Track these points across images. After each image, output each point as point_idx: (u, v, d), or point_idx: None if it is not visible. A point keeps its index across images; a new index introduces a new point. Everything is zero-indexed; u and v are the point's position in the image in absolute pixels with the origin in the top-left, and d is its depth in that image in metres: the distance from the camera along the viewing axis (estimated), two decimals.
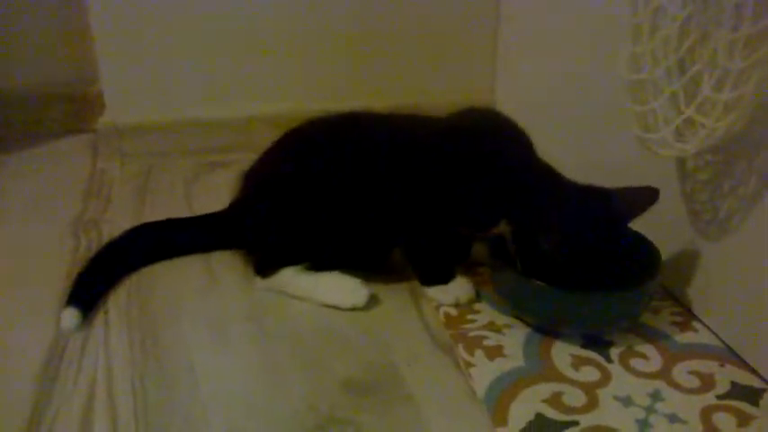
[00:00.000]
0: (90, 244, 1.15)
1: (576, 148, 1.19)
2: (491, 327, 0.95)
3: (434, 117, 1.03)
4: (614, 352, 0.89)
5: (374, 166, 0.99)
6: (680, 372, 0.86)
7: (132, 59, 1.43)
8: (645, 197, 0.91)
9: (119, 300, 1.01)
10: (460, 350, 0.90)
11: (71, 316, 0.93)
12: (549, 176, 0.95)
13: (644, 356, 0.89)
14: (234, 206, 1.10)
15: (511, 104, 1.45)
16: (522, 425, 0.77)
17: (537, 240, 0.90)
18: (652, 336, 0.92)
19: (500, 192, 0.94)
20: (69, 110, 1.61)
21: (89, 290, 0.99)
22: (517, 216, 0.94)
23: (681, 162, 0.96)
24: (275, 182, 1.03)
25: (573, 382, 0.84)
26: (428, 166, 0.97)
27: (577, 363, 0.87)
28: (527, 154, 0.97)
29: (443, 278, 1.01)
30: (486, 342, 0.91)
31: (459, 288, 1.00)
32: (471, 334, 0.93)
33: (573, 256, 0.89)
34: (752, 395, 0.82)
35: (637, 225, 1.01)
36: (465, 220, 0.98)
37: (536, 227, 0.91)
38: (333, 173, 0.99)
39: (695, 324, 0.95)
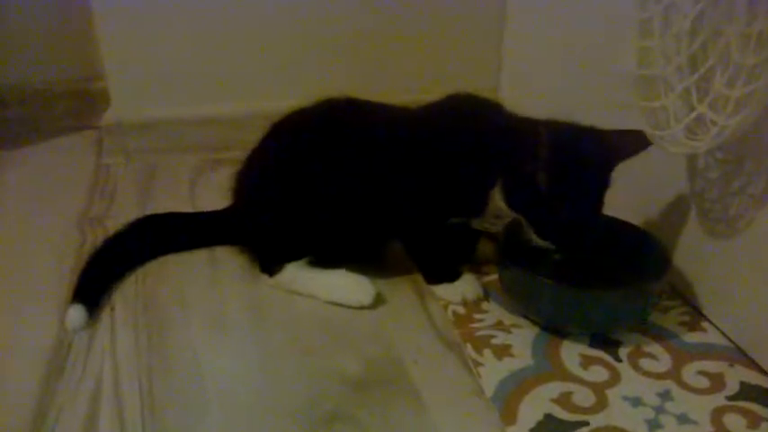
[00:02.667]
0: (95, 240, 1.14)
1: None
2: (499, 326, 0.94)
3: (412, 106, 1.04)
4: (623, 352, 0.89)
5: (362, 156, 0.99)
6: (689, 372, 0.85)
7: (137, 56, 1.42)
8: (636, 141, 0.89)
9: (125, 294, 1.01)
10: (468, 349, 0.89)
11: (77, 313, 0.93)
12: (527, 124, 0.93)
13: (653, 356, 0.88)
14: (233, 206, 1.09)
15: (516, 102, 1.45)
16: (532, 425, 0.77)
17: (524, 169, 0.88)
18: (661, 335, 0.92)
19: (480, 164, 0.93)
20: (74, 106, 1.62)
21: (94, 286, 0.99)
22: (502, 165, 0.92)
23: (691, 160, 0.96)
24: (266, 178, 1.03)
25: (582, 382, 0.83)
26: (410, 154, 0.97)
27: (586, 362, 0.87)
28: (498, 120, 0.96)
29: (449, 276, 1.00)
30: (494, 341, 0.91)
31: (467, 286, 0.99)
32: (479, 333, 0.92)
33: (561, 183, 0.87)
34: (762, 396, 0.82)
35: (646, 223, 1.01)
36: (456, 204, 0.98)
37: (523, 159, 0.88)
38: (321, 163, 0.99)
39: (704, 324, 0.94)
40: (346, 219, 0.99)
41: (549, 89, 1.36)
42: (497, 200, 0.94)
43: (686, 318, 0.95)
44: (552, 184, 0.86)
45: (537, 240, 0.92)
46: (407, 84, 1.52)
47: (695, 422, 0.78)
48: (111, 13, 1.38)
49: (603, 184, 0.89)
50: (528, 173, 0.87)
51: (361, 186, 0.98)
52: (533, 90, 1.43)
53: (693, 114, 0.81)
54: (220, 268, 1.08)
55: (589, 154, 0.88)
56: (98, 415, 0.79)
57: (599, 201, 0.90)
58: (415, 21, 1.50)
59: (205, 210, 1.18)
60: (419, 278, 1.03)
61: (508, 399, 0.81)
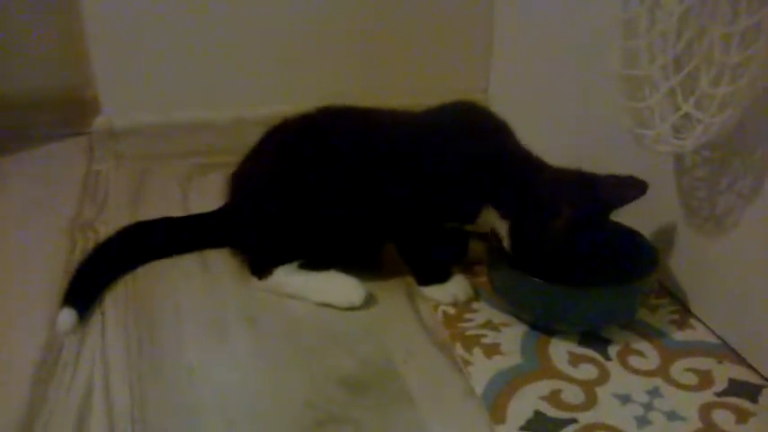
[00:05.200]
0: (86, 245, 1.14)
1: (571, 147, 1.19)
2: (489, 325, 0.94)
3: (411, 112, 1.04)
4: (612, 350, 0.89)
5: (357, 161, 0.99)
6: (678, 369, 0.86)
7: (127, 62, 1.42)
8: (631, 188, 0.91)
9: (116, 299, 1.00)
10: (458, 348, 0.90)
11: (67, 317, 0.93)
12: (531, 161, 0.96)
13: (642, 354, 0.89)
14: (224, 208, 1.10)
15: (506, 104, 1.45)
16: (522, 422, 0.77)
17: (538, 226, 0.90)
18: (650, 333, 0.92)
19: (478, 180, 0.94)
20: (64, 113, 1.61)
21: (85, 290, 0.99)
22: (508, 203, 0.93)
23: (678, 159, 0.96)
24: (260, 181, 1.04)
25: (571, 380, 0.84)
26: (406, 160, 0.97)
27: (575, 360, 0.87)
28: (505, 140, 0.98)
29: (440, 277, 1.01)
30: (483, 340, 0.91)
31: (457, 287, 1.00)
32: (469, 332, 0.93)
33: (573, 243, 0.89)
34: (750, 392, 0.82)
35: (634, 222, 1.01)
36: (448, 211, 0.98)
37: (536, 213, 0.90)
38: (316, 169, 0.99)
39: (692, 321, 0.95)
40: (340, 223, 1.00)
41: (538, 91, 1.37)
42: (491, 217, 0.95)
43: (675, 316, 0.96)
44: (564, 242, 0.89)
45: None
46: (398, 86, 1.52)
47: (684, 418, 0.78)
48: (101, 20, 1.38)
49: (602, 230, 0.92)
50: (546, 233, 0.89)
51: (356, 191, 0.99)
52: (522, 92, 1.44)
53: (679, 113, 0.82)
54: (211, 271, 1.08)
55: (600, 216, 0.91)
56: (88, 420, 0.79)
57: (594, 246, 0.91)
58: (406, 24, 1.51)
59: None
60: (409, 279, 1.03)
61: (498, 397, 0.81)
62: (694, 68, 0.80)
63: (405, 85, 1.53)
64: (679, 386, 0.83)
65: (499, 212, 0.94)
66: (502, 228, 0.95)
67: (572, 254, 0.89)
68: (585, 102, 1.17)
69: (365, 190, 0.98)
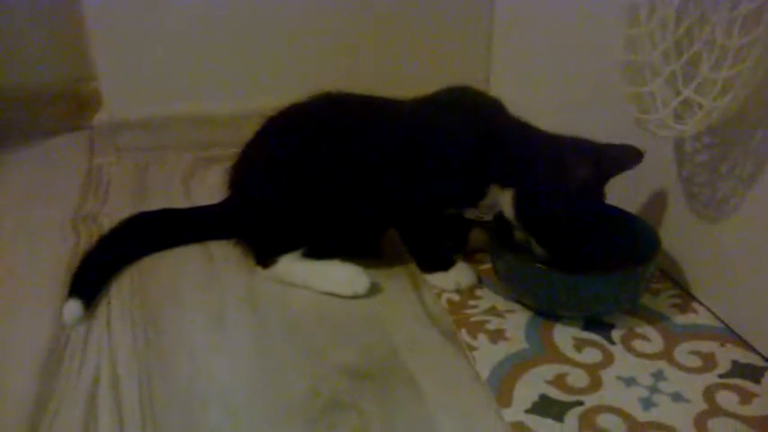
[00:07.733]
0: (90, 238, 1.14)
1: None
2: (493, 311, 0.95)
3: (407, 99, 1.05)
4: (616, 334, 0.90)
5: (356, 148, 1.00)
6: (681, 352, 0.87)
7: (128, 56, 1.42)
8: (629, 156, 0.92)
9: (121, 290, 1.01)
10: (463, 334, 0.90)
11: (73, 308, 0.93)
12: (530, 132, 0.97)
13: (646, 338, 0.89)
14: (227, 199, 1.10)
15: (506, 94, 1.46)
16: (528, 406, 0.78)
17: (548, 188, 0.92)
18: (653, 318, 0.93)
19: (479, 159, 0.95)
20: (66, 107, 1.61)
21: (91, 281, 0.99)
22: (512, 174, 0.95)
23: (679, 144, 0.97)
24: (261, 170, 1.04)
25: (576, 364, 0.85)
26: (405, 146, 0.98)
27: (580, 345, 0.88)
28: (500, 116, 0.99)
29: (443, 265, 1.01)
30: (488, 326, 0.92)
31: (461, 274, 1.00)
32: (473, 319, 0.93)
33: (575, 205, 0.91)
34: (753, 373, 0.83)
35: (635, 208, 1.02)
36: (453, 195, 0.99)
37: (545, 176, 0.92)
38: (316, 156, 1.00)
39: (695, 305, 0.96)
40: (341, 210, 1.00)
41: (539, 80, 1.37)
42: (497, 196, 0.96)
43: (677, 300, 0.97)
44: (569, 207, 0.90)
45: (535, 248, 0.95)
46: (398, 78, 1.52)
47: (688, 400, 0.79)
48: (102, 13, 1.38)
49: (602, 199, 0.94)
50: (551, 198, 0.91)
51: (357, 179, 0.99)
52: (523, 82, 1.44)
53: (680, 98, 0.83)
54: (215, 262, 1.08)
55: (599, 175, 0.92)
56: (96, 408, 0.80)
57: (597, 216, 0.93)
58: (405, 16, 1.51)
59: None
60: (413, 267, 1.04)
61: (503, 381, 0.82)
62: (695, 54, 0.81)
63: (404, 78, 1.53)
64: (683, 369, 0.84)
65: (503, 185, 0.95)
66: (506, 199, 0.95)
67: (578, 219, 0.91)
68: (586, 91, 1.17)
69: (365, 177, 0.99)
